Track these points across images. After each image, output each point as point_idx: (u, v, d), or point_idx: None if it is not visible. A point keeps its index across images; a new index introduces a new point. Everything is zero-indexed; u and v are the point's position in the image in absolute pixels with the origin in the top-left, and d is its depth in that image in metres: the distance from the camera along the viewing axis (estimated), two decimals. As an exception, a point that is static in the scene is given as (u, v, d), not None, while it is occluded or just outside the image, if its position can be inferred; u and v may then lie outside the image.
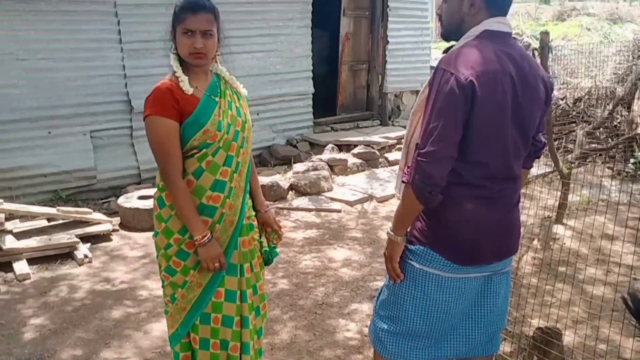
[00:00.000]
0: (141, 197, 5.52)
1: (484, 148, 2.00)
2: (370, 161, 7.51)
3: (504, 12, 2.09)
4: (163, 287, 2.51)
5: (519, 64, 2.02)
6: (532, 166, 2.38)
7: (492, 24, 2.04)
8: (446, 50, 2.14)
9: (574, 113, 7.68)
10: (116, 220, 5.41)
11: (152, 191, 5.63)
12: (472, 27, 2.06)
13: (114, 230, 5.25)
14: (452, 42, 2.16)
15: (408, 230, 2.18)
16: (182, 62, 2.35)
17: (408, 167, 2.04)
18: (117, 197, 5.90)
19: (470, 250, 2.11)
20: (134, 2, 6.30)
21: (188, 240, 2.38)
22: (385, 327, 2.27)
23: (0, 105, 5.69)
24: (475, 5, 2.05)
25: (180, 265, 2.42)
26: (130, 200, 5.52)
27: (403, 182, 2.06)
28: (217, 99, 2.37)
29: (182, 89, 2.29)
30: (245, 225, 2.52)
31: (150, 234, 5.01)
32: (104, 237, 5.12)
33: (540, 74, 2.12)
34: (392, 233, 2.18)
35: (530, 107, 2.06)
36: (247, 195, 2.55)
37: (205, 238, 2.33)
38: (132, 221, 5.35)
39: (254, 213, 2.62)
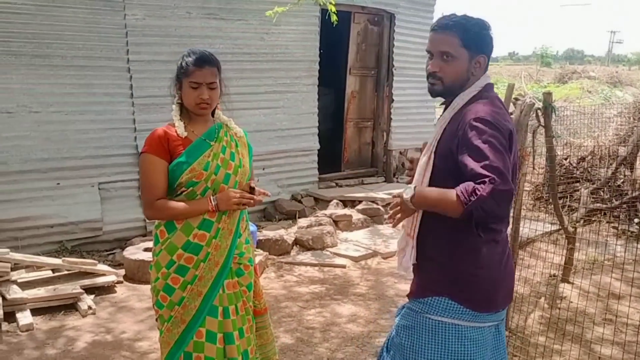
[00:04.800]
0: (147, 249, 5.51)
1: None
2: (374, 217, 7.51)
3: None
4: (156, 320, 2.62)
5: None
6: None
7: (487, 77, 2.20)
8: (443, 104, 2.24)
9: (578, 172, 7.73)
10: (121, 272, 5.40)
11: (157, 243, 5.64)
12: (473, 83, 2.16)
13: (118, 282, 5.23)
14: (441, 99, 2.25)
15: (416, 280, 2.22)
16: (182, 110, 2.56)
17: (467, 191, 1.84)
18: (123, 249, 5.90)
19: (487, 295, 2.12)
20: (146, 59, 6.48)
21: (174, 274, 2.49)
22: None
23: (11, 156, 5.78)
24: (481, 63, 2.16)
25: (166, 300, 2.52)
26: (136, 252, 5.52)
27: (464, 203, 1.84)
28: (212, 142, 2.53)
29: (177, 132, 2.48)
30: (233, 270, 2.59)
31: (155, 286, 5.02)
32: (109, 288, 5.10)
33: None
34: (410, 203, 2.04)
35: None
36: (239, 239, 2.61)
37: (212, 203, 2.46)
38: (137, 273, 5.34)
39: (246, 260, 2.67)
